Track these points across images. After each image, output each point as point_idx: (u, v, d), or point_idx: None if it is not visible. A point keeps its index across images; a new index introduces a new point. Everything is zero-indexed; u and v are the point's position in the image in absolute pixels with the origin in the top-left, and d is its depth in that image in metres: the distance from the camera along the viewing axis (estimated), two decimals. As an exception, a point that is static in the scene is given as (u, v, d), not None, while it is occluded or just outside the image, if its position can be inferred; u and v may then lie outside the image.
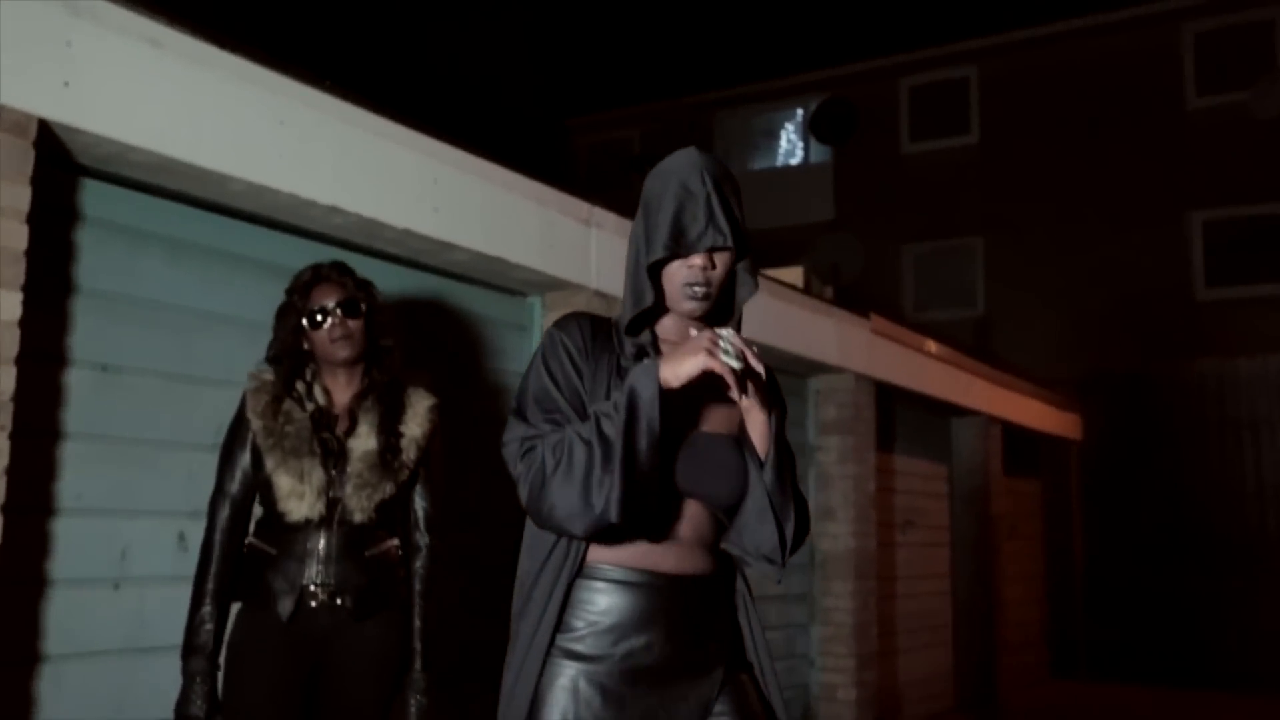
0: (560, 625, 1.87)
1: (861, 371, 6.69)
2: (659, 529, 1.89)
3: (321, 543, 2.66)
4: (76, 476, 2.93)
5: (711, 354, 1.76)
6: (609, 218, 4.59)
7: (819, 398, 6.72)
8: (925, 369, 7.69)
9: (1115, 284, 13.56)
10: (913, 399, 7.81)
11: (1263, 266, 12.94)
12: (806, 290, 12.84)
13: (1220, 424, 10.74)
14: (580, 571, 1.89)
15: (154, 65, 2.87)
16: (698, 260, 1.92)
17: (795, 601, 6.47)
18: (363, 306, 2.78)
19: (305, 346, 2.77)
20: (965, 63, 15.51)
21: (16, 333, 2.58)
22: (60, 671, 2.87)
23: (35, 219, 2.63)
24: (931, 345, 7.83)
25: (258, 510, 2.76)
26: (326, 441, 2.71)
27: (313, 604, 2.64)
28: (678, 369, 1.78)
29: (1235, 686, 9.93)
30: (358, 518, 2.68)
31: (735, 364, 1.79)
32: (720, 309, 2.04)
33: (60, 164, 2.89)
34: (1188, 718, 8.79)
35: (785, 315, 5.90)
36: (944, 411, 8.59)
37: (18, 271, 2.58)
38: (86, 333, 2.98)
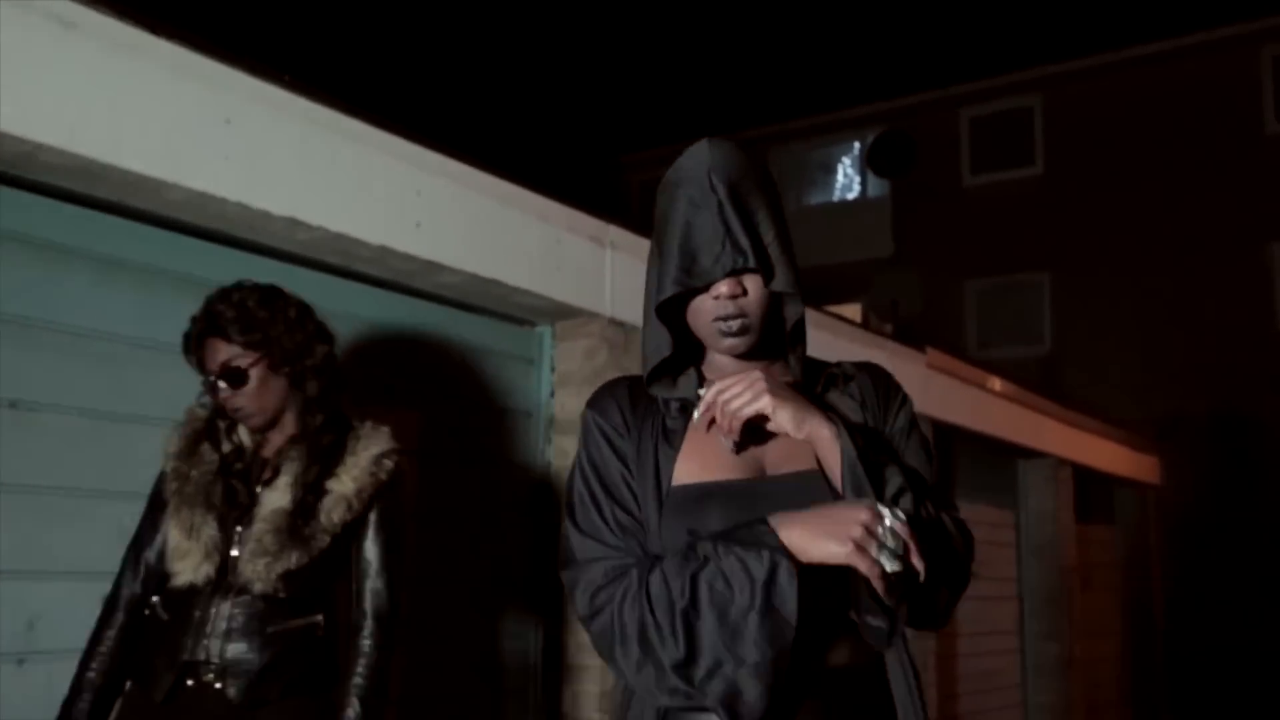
0: None
1: (916, 410, 6.12)
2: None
3: (213, 612, 2.17)
4: (-26, 532, 2.50)
5: (861, 549, 1.34)
6: (627, 237, 4.11)
7: (871, 439, 6.15)
8: (987, 407, 7.09)
9: (1192, 319, 12.81)
10: (974, 440, 7.21)
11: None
12: (865, 328, 12.27)
13: (1314, 467, 9.97)
14: None
15: (65, 51, 2.45)
16: (723, 289, 1.53)
17: (846, 663, 5.88)
18: (247, 369, 2.23)
19: None
20: (1029, 92, 14.91)
21: (-121, 361, 2.16)
22: (-51, 765, 2.42)
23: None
24: (995, 382, 7.23)
25: None
26: (233, 492, 2.24)
27: (190, 683, 2.14)
28: (809, 548, 1.37)
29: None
30: (258, 588, 2.17)
31: (891, 565, 1.33)
32: (769, 334, 1.62)
33: (-41, 167, 2.49)
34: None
35: (833, 349, 5.38)
36: (1009, 454, 7.96)
37: (-118, 288, 2.16)
38: (-8, 363, 2.56)
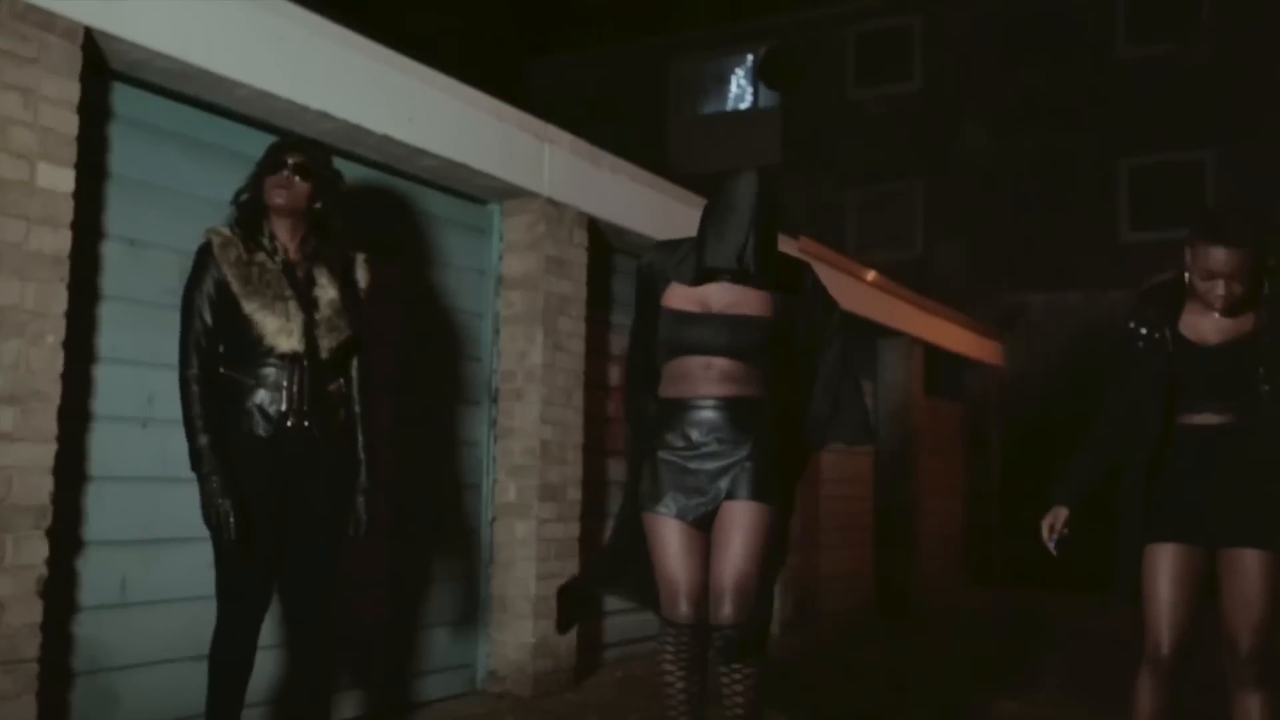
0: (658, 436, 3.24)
1: (791, 288, 7.33)
2: (703, 373, 3.18)
3: (294, 374, 3.13)
4: (112, 331, 3.53)
5: None
6: (562, 135, 5.18)
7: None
8: (853, 291, 8.35)
9: (1042, 228, 14.31)
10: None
11: (1178, 211, 13.71)
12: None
13: (1128, 352, 11.54)
14: (666, 405, 3.24)
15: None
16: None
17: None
18: (310, 176, 3.19)
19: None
20: (910, 12, 16.08)
21: (71, 203, 3.16)
22: (101, 490, 3.48)
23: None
24: (857, 268, 8.49)
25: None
26: (300, 285, 3.19)
27: (289, 424, 3.12)
28: None
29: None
30: (324, 355, 3.18)
31: None
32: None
33: (95, 69, 3.43)
34: (1091, 618, 9.57)
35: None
36: (870, 332, 9.27)
37: (71, 152, 3.16)
38: (118, 212, 3.55)
